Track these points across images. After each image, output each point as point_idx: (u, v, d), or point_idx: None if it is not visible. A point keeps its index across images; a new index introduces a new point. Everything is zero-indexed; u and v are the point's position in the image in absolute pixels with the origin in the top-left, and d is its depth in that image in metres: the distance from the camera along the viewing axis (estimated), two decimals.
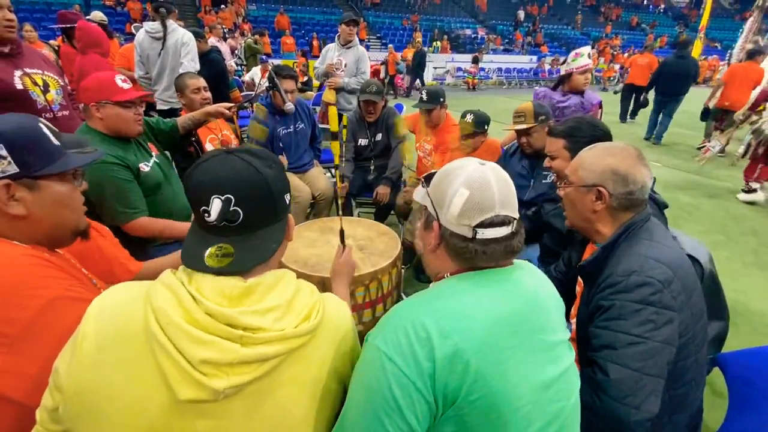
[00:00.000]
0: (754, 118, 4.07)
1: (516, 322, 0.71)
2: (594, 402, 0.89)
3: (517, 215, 0.79)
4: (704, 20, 7.48)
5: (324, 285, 1.48)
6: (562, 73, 2.96)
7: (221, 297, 0.63)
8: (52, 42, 5.78)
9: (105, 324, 0.63)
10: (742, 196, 4.30)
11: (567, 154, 1.52)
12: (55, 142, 0.89)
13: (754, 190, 4.21)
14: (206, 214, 0.65)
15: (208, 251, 0.66)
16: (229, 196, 0.65)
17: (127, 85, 1.60)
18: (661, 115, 6.58)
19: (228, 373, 0.60)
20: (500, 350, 0.68)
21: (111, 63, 3.56)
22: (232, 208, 0.65)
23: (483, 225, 0.74)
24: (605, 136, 1.48)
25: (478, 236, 0.75)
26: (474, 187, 0.75)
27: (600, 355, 0.93)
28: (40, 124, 0.87)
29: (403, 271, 1.93)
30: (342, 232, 1.33)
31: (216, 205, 0.65)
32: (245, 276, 0.67)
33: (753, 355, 1.11)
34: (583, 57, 2.82)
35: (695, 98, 6.84)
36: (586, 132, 1.49)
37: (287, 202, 0.74)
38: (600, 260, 1.03)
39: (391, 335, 0.68)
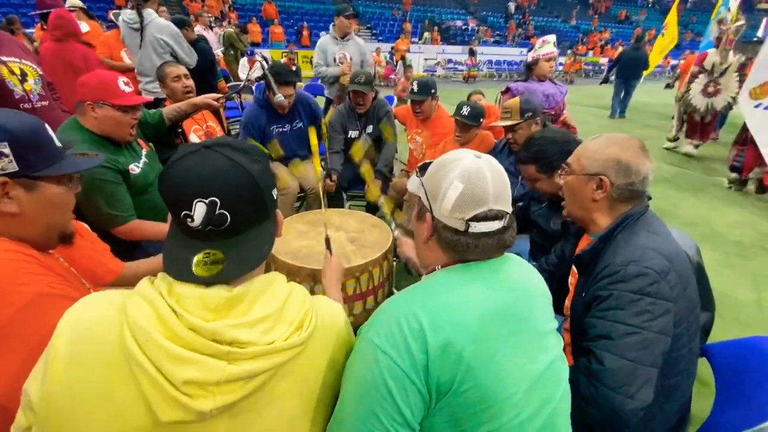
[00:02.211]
0: (687, 94, 5.30)
1: (506, 313, 0.72)
2: (589, 391, 0.90)
3: (510, 209, 0.79)
4: (670, 17, 7.74)
5: (314, 277, 1.47)
6: (529, 60, 3.02)
7: (204, 310, 0.58)
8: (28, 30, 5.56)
9: (78, 341, 0.57)
10: (667, 144, 5.93)
11: (543, 176, 1.53)
12: (58, 144, 0.88)
13: (677, 138, 5.79)
14: (189, 219, 0.59)
15: (195, 259, 0.60)
16: (214, 198, 0.58)
17: (128, 89, 1.56)
18: (622, 95, 8.36)
19: (214, 392, 0.56)
20: (491, 340, 0.69)
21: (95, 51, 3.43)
22: (218, 212, 0.59)
23: (476, 219, 0.75)
24: (573, 143, 1.44)
25: (471, 230, 0.75)
26: (469, 181, 0.75)
27: (596, 345, 0.93)
28: (46, 126, 0.87)
29: (394, 263, 1.93)
30: (327, 240, 1.29)
31: (200, 210, 0.58)
32: (232, 283, 0.62)
33: (739, 346, 1.13)
34: (549, 44, 2.91)
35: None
36: (553, 151, 1.48)
37: (275, 198, 0.69)
38: (597, 250, 1.03)
39: (384, 328, 0.68)
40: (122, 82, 1.55)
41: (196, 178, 0.59)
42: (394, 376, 0.64)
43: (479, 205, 0.75)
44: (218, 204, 0.59)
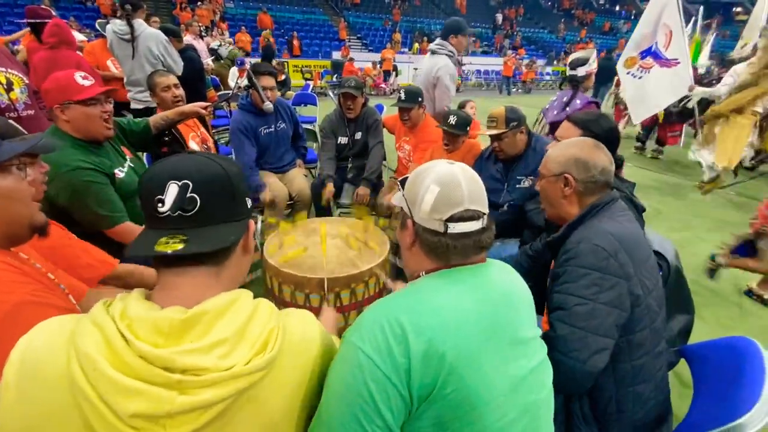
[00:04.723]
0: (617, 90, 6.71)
1: (488, 317, 0.74)
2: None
3: (486, 210, 0.83)
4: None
5: (322, 286, 1.48)
6: (583, 74, 3.18)
7: (156, 334, 0.55)
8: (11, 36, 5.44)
9: (26, 370, 0.54)
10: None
11: None
12: None
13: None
14: (160, 204, 0.59)
15: (158, 240, 0.59)
16: (187, 181, 0.60)
17: (87, 82, 1.51)
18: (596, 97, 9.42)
19: (165, 425, 0.53)
20: (473, 344, 0.70)
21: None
22: (189, 195, 0.60)
23: (453, 219, 0.79)
24: (616, 140, 1.57)
25: (450, 230, 0.79)
26: (443, 183, 0.80)
27: (553, 316, 1.02)
28: None
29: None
30: (327, 295, 1.37)
31: (171, 191, 0.59)
32: (189, 302, 0.59)
33: (714, 347, 1.16)
34: (595, 61, 3.23)
35: None
36: (604, 128, 1.55)
37: (248, 207, 0.69)
38: (566, 235, 1.12)
39: (367, 332, 0.69)
40: (80, 77, 1.51)
41: (173, 165, 0.62)
42: (376, 380, 0.65)
43: (455, 205, 0.79)
44: (190, 186, 0.60)
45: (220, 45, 7.65)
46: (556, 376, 0.86)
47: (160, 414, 0.52)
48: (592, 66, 3.22)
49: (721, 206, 4.29)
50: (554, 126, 3.05)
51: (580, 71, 3.16)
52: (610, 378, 1.02)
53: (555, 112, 3.15)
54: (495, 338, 0.73)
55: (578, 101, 3.04)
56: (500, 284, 0.81)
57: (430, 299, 0.74)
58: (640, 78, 4.30)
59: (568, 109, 3.03)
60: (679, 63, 3.98)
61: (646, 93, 4.25)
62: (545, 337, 0.95)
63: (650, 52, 4.16)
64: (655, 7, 4.05)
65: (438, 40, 3.12)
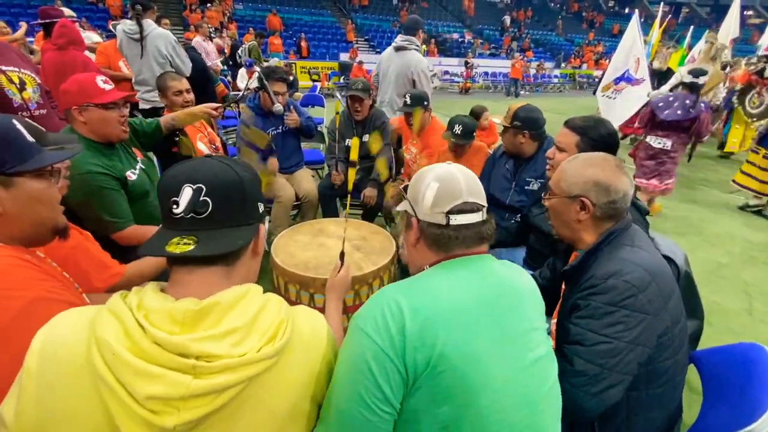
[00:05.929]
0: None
1: (486, 303, 0.77)
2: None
3: (485, 203, 0.87)
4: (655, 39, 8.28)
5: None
6: (702, 82, 3.70)
7: (171, 323, 0.58)
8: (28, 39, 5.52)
9: (48, 359, 0.57)
10: None
11: (576, 151, 1.49)
12: (30, 139, 0.87)
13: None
14: (174, 205, 0.63)
15: (170, 240, 0.62)
16: (201, 185, 0.63)
17: (108, 86, 1.57)
18: None
19: (179, 408, 0.55)
20: (468, 327, 0.73)
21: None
22: (202, 198, 0.63)
23: (454, 211, 0.83)
24: (615, 146, 1.49)
25: (452, 222, 0.83)
26: (442, 179, 0.86)
27: (570, 348, 0.98)
28: (14, 121, 0.86)
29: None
30: (342, 254, 1.31)
31: (186, 194, 0.63)
32: (202, 294, 0.62)
33: (724, 353, 1.15)
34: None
35: None
36: (602, 134, 1.48)
37: (260, 212, 0.72)
38: (583, 264, 1.05)
39: (369, 314, 0.75)
40: (101, 81, 1.55)
41: (191, 169, 0.66)
42: (375, 357, 0.70)
43: (455, 198, 0.84)
44: (204, 190, 0.63)
45: (240, 56, 7.94)
46: (565, 403, 0.85)
47: (175, 397, 0.55)
48: (707, 77, 3.86)
49: (730, 210, 4.24)
50: (670, 124, 3.61)
51: (701, 80, 3.71)
52: (622, 405, 0.98)
53: (679, 112, 3.56)
54: (493, 325, 0.75)
55: (702, 104, 3.57)
56: (502, 274, 0.84)
57: (429, 282, 0.79)
58: (613, 99, 5.58)
59: (692, 111, 3.53)
60: (644, 80, 5.31)
61: (615, 109, 5.50)
62: (559, 367, 0.93)
63: (623, 78, 5.55)
64: (625, 46, 5.49)
65: (405, 36, 3.34)
